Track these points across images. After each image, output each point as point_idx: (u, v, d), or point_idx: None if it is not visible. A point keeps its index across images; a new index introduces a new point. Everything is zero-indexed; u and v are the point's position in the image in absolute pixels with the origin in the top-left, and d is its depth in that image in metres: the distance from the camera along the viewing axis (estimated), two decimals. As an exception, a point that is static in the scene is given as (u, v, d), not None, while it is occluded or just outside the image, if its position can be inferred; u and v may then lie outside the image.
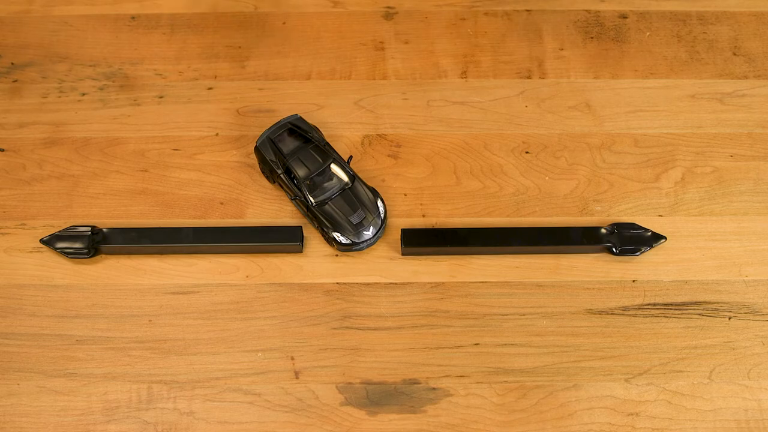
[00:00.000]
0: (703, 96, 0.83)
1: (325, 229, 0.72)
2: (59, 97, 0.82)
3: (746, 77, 0.84)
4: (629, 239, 0.73)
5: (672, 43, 0.86)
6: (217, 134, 0.80)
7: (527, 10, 0.88)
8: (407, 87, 0.83)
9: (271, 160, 0.74)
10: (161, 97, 0.82)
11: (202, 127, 0.80)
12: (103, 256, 0.73)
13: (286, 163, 0.73)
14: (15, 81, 0.83)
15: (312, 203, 0.72)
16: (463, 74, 0.84)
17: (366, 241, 0.72)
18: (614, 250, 0.73)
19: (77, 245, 0.72)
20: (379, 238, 0.73)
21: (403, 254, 0.73)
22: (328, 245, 0.74)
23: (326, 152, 0.74)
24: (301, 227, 0.73)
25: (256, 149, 0.75)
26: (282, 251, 0.73)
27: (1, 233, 0.74)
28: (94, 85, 0.83)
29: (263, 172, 0.77)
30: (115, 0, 0.88)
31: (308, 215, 0.74)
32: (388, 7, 0.88)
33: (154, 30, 0.86)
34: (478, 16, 0.88)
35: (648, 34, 0.86)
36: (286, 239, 0.72)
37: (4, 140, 0.79)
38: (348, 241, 0.72)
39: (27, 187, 0.77)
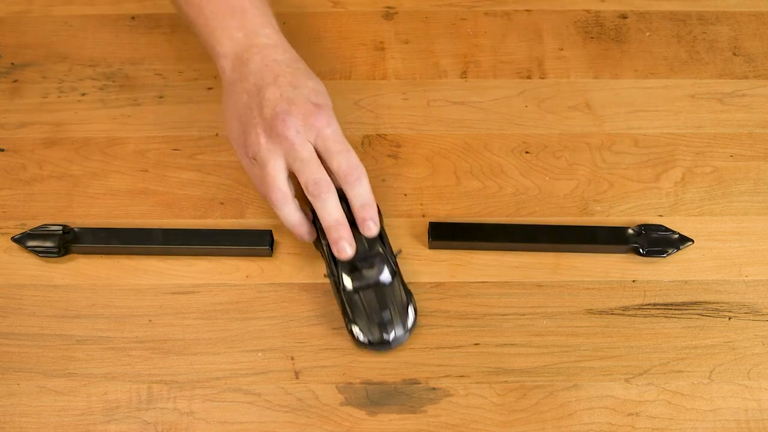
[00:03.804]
0: (703, 96, 0.83)
1: (346, 319, 0.68)
2: (59, 97, 0.82)
3: (746, 77, 0.84)
4: (656, 241, 0.73)
5: (672, 43, 0.86)
6: (217, 134, 0.80)
7: (527, 10, 0.88)
8: (407, 87, 0.83)
9: (321, 226, 0.68)
10: (161, 97, 0.82)
11: (202, 127, 0.80)
12: (102, 256, 0.73)
13: None
14: (15, 81, 0.83)
15: (343, 287, 0.68)
16: (463, 74, 0.84)
17: (384, 344, 0.67)
18: (641, 251, 0.72)
19: (48, 244, 0.72)
20: (399, 344, 0.68)
21: (430, 248, 0.73)
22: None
23: (378, 239, 0.69)
24: (270, 231, 0.73)
25: (313, 210, 0.70)
26: (253, 254, 0.73)
27: (1, 233, 0.74)
28: (94, 85, 0.83)
29: (315, 227, 0.70)
30: (115, 0, 0.88)
31: (337, 295, 0.69)
32: (388, 7, 0.88)
33: (154, 30, 0.86)
34: (478, 16, 0.88)
35: (648, 34, 0.87)
36: (255, 243, 0.72)
37: (4, 140, 0.79)
38: (365, 340, 0.67)
39: (27, 187, 0.77)
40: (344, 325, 0.69)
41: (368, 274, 0.68)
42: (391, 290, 0.68)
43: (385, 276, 0.68)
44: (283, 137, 0.65)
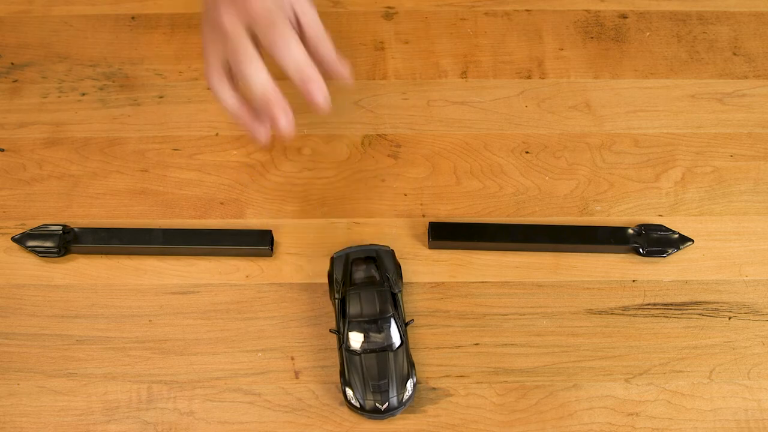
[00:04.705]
0: (703, 96, 0.83)
1: (342, 379, 0.66)
2: (59, 97, 0.82)
3: (746, 77, 0.84)
4: (656, 241, 0.73)
5: (672, 43, 0.86)
6: (217, 134, 0.80)
7: (527, 10, 0.88)
8: (407, 87, 0.83)
9: (336, 279, 0.69)
10: (161, 97, 0.82)
11: (202, 127, 0.80)
12: (102, 256, 0.73)
13: (345, 292, 0.68)
14: (15, 81, 0.83)
15: (347, 346, 0.66)
16: (463, 74, 0.84)
17: (376, 413, 0.65)
18: (641, 251, 0.73)
19: (48, 244, 0.72)
20: (391, 416, 0.66)
21: (430, 248, 0.73)
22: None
23: (392, 303, 0.67)
24: (270, 231, 0.73)
25: (332, 259, 0.70)
26: (253, 254, 0.73)
27: (1, 233, 0.74)
28: (94, 85, 0.83)
29: (329, 281, 0.71)
30: (115, 0, 0.88)
31: (338, 352, 0.68)
32: (388, 7, 0.88)
33: (154, 30, 0.86)
34: (478, 16, 0.88)
35: (648, 34, 0.87)
36: (255, 243, 0.72)
37: (4, 140, 0.79)
38: (356, 405, 0.65)
39: (27, 187, 0.77)
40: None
41: (374, 338, 0.66)
42: (395, 359, 0.66)
43: (392, 344, 0.66)
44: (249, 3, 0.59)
